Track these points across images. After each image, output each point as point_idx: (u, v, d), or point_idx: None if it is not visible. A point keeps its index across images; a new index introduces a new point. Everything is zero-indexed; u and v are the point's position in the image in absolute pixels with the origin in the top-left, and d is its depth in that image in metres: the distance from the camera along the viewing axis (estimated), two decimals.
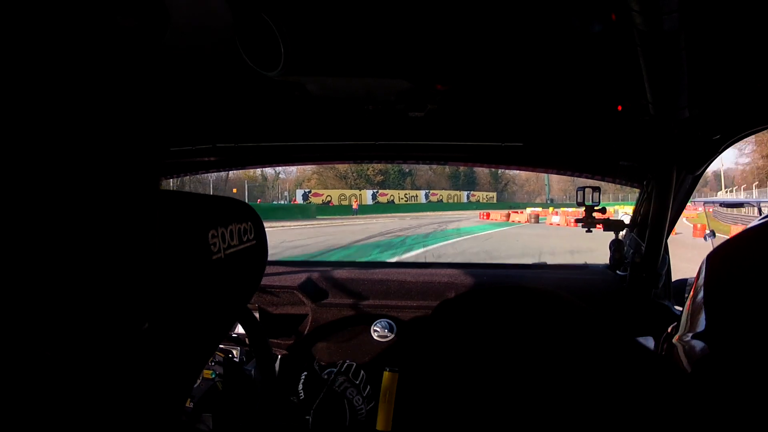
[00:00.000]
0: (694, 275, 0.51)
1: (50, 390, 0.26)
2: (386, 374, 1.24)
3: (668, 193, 1.14)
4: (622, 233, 1.35)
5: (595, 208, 1.30)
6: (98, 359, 0.28)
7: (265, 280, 1.42)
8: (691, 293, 0.49)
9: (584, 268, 1.54)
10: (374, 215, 29.92)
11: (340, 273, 1.50)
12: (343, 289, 1.44)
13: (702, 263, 0.49)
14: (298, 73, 0.84)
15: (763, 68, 0.82)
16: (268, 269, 1.50)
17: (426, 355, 0.36)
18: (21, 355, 0.25)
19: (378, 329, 1.37)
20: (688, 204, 1.38)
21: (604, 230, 1.32)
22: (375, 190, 37.37)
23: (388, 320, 1.38)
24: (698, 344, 0.42)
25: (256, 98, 1.07)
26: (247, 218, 0.41)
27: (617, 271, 1.40)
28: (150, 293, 0.30)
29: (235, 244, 0.38)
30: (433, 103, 1.04)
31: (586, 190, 1.30)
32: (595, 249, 8.24)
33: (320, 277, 1.47)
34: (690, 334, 0.45)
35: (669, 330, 0.63)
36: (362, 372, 1.28)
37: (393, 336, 1.36)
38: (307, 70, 0.84)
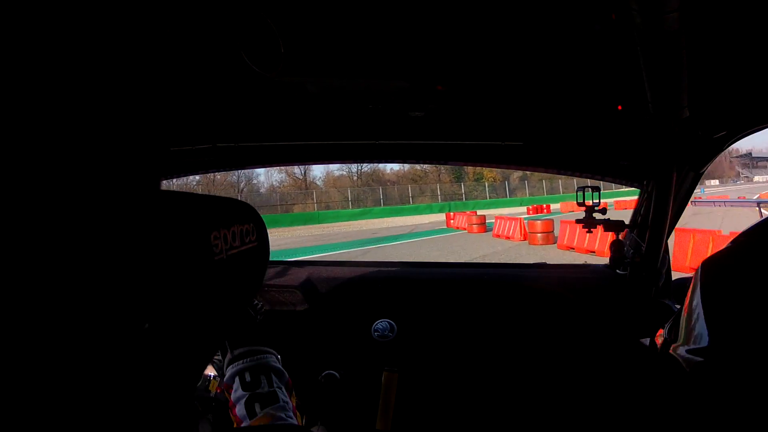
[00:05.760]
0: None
1: (52, 389, 0.26)
2: (386, 374, 1.24)
3: (668, 192, 1.14)
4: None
5: (596, 208, 1.30)
6: (99, 359, 0.28)
7: (266, 280, 1.42)
8: (686, 301, 0.48)
9: (584, 267, 1.54)
10: None
11: (340, 273, 1.50)
12: (343, 289, 1.44)
13: (697, 270, 0.47)
14: (298, 74, 0.84)
15: (763, 67, 0.82)
16: (269, 268, 1.49)
17: None
18: (24, 355, 0.25)
19: (378, 329, 1.37)
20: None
21: (604, 230, 1.32)
22: None
23: (388, 320, 1.38)
24: (700, 359, 0.41)
25: (256, 98, 1.07)
26: (249, 220, 0.41)
27: (617, 270, 1.40)
28: (151, 293, 0.30)
29: (237, 245, 0.38)
30: (433, 103, 1.04)
31: (586, 190, 1.29)
32: None
33: (321, 276, 1.47)
34: (690, 347, 0.44)
35: (662, 331, 0.61)
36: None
37: (393, 336, 1.36)
38: (307, 71, 0.84)
